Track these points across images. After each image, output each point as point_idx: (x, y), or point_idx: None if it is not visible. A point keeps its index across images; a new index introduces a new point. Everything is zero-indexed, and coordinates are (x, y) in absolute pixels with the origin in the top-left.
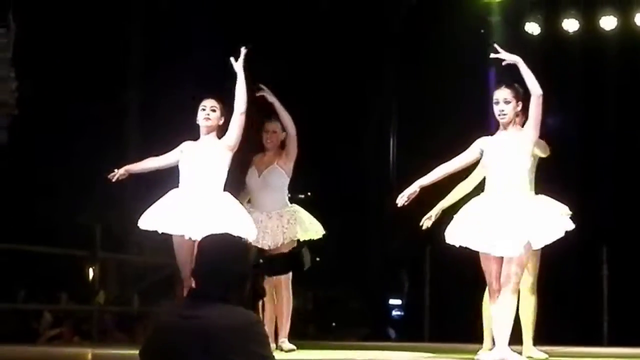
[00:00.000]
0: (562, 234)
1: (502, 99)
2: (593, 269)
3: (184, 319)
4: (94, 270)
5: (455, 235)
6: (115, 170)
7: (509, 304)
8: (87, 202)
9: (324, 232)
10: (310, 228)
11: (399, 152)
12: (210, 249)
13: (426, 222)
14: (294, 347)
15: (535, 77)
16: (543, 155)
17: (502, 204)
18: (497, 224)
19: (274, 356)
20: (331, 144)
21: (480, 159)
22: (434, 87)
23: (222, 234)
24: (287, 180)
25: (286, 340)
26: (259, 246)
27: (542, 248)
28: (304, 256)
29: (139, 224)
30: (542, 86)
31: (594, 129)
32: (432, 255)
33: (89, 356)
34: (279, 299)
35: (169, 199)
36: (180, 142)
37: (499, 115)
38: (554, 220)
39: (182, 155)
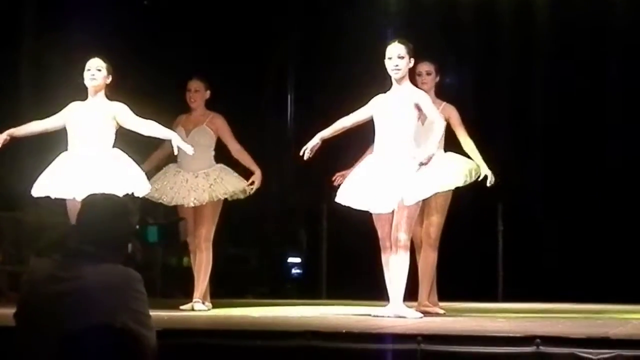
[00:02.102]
0: (437, 190)
1: (396, 55)
2: (488, 224)
3: (59, 280)
4: None
5: (341, 194)
6: None
7: (401, 259)
8: None
9: (252, 191)
10: (238, 186)
11: (296, 107)
12: (89, 208)
13: (306, 153)
14: (205, 307)
15: (432, 36)
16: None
17: (383, 163)
18: (375, 182)
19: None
20: (229, 97)
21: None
22: (332, 42)
23: (102, 194)
24: (214, 140)
25: (200, 301)
26: (184, 205)
27: (449, 205)
28: (180, 226)
29: (31, 192)
30: (438, 44)
31: (487, 86)
32: (329, 212)
33: None
34: (198, 260)
35: (58, 163)
36: (71, 99)
37: (393, 70)
38: (430, 177)
39: (69, 117)
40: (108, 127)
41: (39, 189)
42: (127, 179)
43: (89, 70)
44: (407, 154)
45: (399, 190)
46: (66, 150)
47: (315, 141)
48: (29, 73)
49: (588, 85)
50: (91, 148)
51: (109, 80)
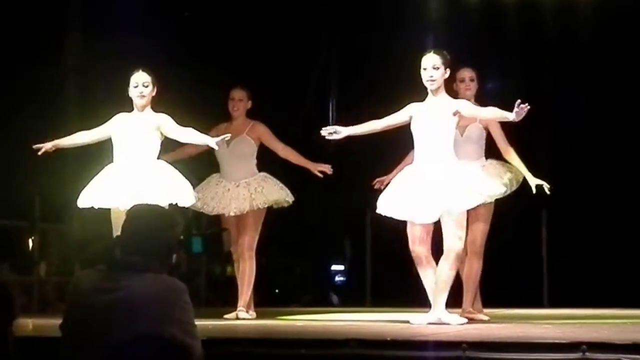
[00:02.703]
0: (482, 201)
1: (431, 65)
2: (533, 231)
3: (105, 291)
4: (33, 241)
5: (383, 205)
6: (44, 144)
7: (449, 266)
8: (26, 172)
9: (293, 199)
10: (279, 195)
11: (338, 115)
12: (134, 219)
13: (326, 131)
14: (249, 316)
15: (474, 43)
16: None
17: (424, 173)
18: (416, 192)
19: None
20: (271, 105)
21: (409, 123)
22: (374, 50)
23: (147, 205)
24: (255, 149)
25: (244, 309)
26: (225, 214)
27: (492, 212)
28: (223, 238)
29: (77, 204)
30: (481, 52)
31: (533, 93)
32: (372, 219)
33: (30, 326)
34: (242, 269)
35: (103, 175)
36: (116, 113)
37: (428, 81)
38: (474, 186)
39: (115, 129)
40: (153, 138)
41: (84, 200)
42: (172, 190)
43: (136, 86)
44: (447, 164)
45: (444, 200)
46: (111, 162)
47: (342, 131)
48: (74, 86)
49: (633, 93)
50: (137, 159)
51: (154, 93)
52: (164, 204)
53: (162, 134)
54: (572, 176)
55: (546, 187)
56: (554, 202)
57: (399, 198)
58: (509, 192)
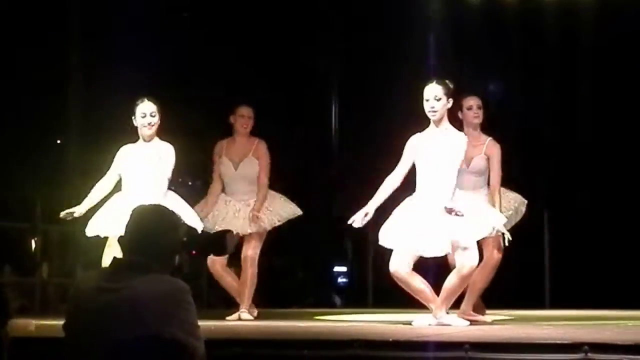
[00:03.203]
0: (488, 232)
1: (433, 96)
2: (535, 232)
3: (107, 291)
4: (35, 243)
5: (387, 237)
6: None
7: (462, 280)
8: (28, 174)
9: (300, 212)
10: (289, 211)
11: (340, 118)
12: (139, 218)
13: (356, 223)
14: (250, 317)
15: (476, 43)
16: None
17: (429, 206)
18: (423, 226)
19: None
20: (274, 108)
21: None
22: (376, 53)
23: (152, 205)
24: (259, 168)
25: (246, 311)
26: (243, 233)
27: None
28: (228, 241)
29: (86, 233)
30: (482, 52)
31: (534, 94)
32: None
33: (32, 327)
34: (245, 276)
35: (112, 203)
36: (120, 115)
37: (429, 112)
38: (480, 219)
39: (123, 165)
40: (160, 170)
41: (92, 229)
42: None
43: (143, 117)
44: (449, 197)
45: (452, 233)
46: (120, 191)
47: (370, 210)
48: (77, 86)
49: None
50: (146, 190)
51: (159, 122)
52: None
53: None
54: (575, 177)
55: (507, 237)
56: (556, 203)
57: (405, 231)
58: (513, 222)
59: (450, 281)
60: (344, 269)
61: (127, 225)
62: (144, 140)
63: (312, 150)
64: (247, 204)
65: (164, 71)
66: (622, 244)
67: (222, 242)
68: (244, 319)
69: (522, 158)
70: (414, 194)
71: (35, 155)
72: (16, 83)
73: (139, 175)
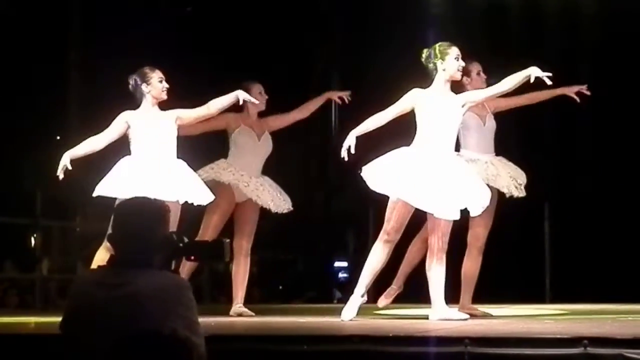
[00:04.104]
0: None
1: (460, 56)
2: (535, 226)
3: (107, 287)
4: (35, 238)
5: (386, 184)
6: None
7: (442, 265)
8: (28, 169)
9: (291, 208)
10: (279, 201)
11: (340, 110)
12: (125, 213)
13: (345, 154)
14: (250, 312)
15: (477, 36)
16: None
17: (440, 163)
18: (436, 185)
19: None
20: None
21: (412, 110)
22: (376, 44)
23: (134, 198)
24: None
25: (242, 305)
26: (264, 205)
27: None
28: (225, 247)
29: (94, 193)
30: (484, 46)
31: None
32: (375, 215)
33: (32, 324)
34: (238, 268)
35: (124, 167)
36: (120, 109)
37: (459, 70)
38: (483, 183)
39: (130, 126)
40: (171, 135)
41: (103, 189)
42: (191, 188)
43: (161, 81)
44: (455, 156)
45: (464, 199)
46: (128, 154)
47: (350, 140)
48: (77, 82)
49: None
50: (158, 155)
51: None
52: (181, 201)
53: (180, 124)
54: (575, 171)
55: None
56: (556, 197)
57: (408, 181)
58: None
59: (434, 274)
60: (344, 264)
61: (112, 223)
62: (151, 106)
63: (313, 144)
64: (260, 182)
65: (163, 72)
66: (622, 238)
67: (220, 248)
68: (245, 315)
69: (522, 149)
70: (416, 146)
71: (36, 151)
72: (16, 79)
73: (151, 139)
